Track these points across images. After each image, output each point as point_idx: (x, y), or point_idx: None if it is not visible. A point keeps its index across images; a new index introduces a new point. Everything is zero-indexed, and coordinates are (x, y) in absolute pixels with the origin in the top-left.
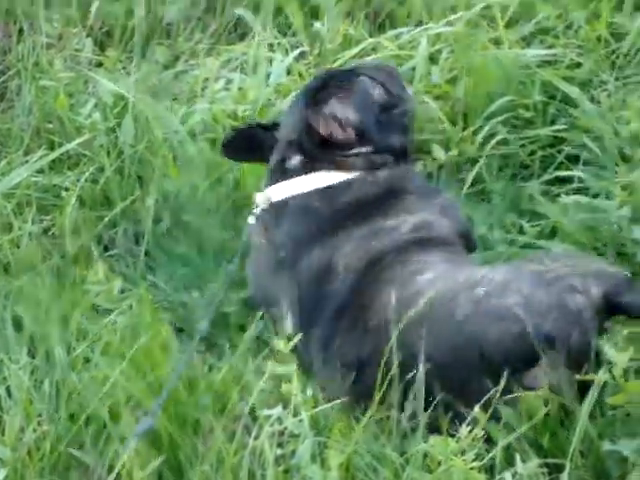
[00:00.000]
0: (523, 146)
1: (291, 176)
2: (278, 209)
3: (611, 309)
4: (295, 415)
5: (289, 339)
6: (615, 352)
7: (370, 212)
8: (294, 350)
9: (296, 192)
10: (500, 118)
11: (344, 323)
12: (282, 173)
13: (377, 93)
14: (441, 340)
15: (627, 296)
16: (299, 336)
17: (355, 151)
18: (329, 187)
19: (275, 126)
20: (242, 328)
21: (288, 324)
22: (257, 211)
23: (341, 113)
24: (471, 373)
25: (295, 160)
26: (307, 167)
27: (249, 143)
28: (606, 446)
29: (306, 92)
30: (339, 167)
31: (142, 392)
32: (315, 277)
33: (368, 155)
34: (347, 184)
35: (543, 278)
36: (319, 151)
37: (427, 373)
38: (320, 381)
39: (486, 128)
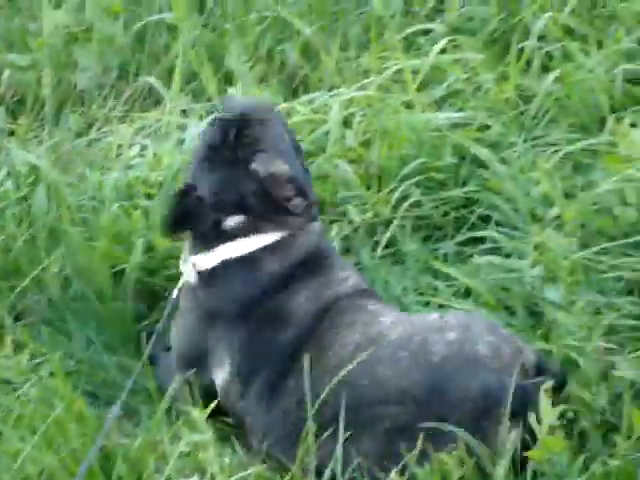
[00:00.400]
0: (436, 207)
1: (229, 239)
2: (217, 270)
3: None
4: None
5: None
6: (546, 408)
7: (318, 264)
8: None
9: (240, 253)
10: (413, 180)
11: (299, 365)
12: (216, 236)
13: (288, 137)
14: (415, 379)
15: (549, 365)
16: (234, 388)
17: (298, 209)
18: (276, 243)
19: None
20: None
21: (223, 372)
22: (189, 278)
23: (278, 169)
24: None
25: (233, 221)
26: (249, 228)
27: (187, 215)
28: None
29: (219, 146)
30: (283, 226)
31: (55, 465)
32: (266, 325)
33: (306, 209)
34: (293, 238)
35: (500, 331)
36: (267, 211)
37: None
38: (263, 426)
39: (400, 190)
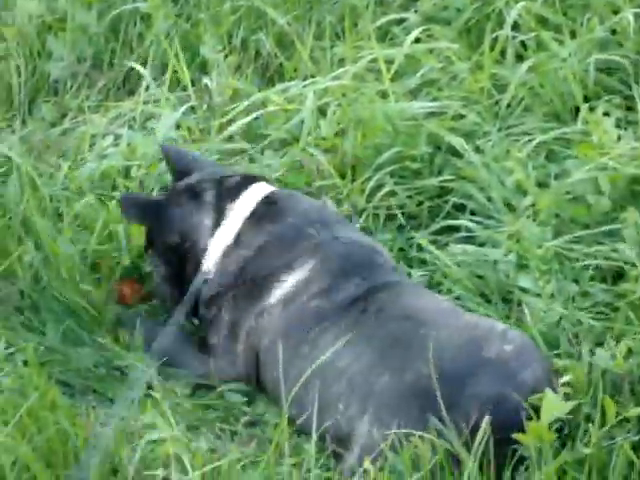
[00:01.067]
0: (410, 197)
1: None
2: None
3: None
4: (185, 473)
5: None
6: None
7: None
8: None
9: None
10: (388, 169)
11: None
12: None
13: None
14: (455, 359)
15: None
16: None
17: None
18: None
19: None
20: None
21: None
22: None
23: None
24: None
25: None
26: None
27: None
28: None
29: None
30: None
31: (28, 456)
32: None
33: None
34: None
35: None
36: None
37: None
38: None
39: (374, 179)
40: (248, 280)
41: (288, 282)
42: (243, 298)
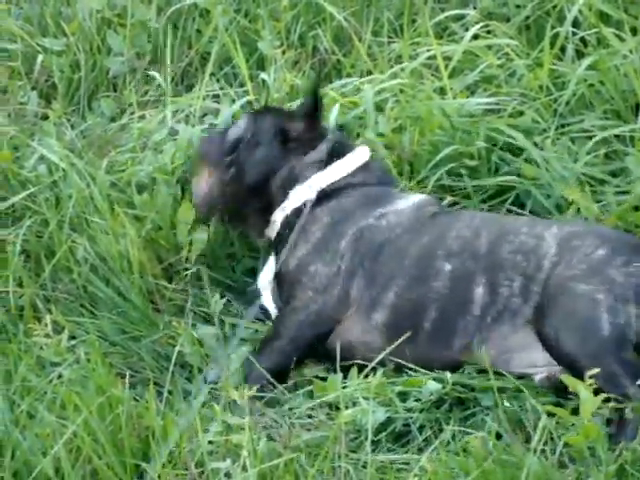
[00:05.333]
0: (468, 195)
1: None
2: None
3: None
4: (244, 469)
5: None
6: (587, 393)
7: None
8: None
9: None
10: (446, 167)
11: None
12: None
13: None
14: None
15: None
16: None
17: None
18: None
19: None
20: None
21: None
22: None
23: None
24: None
25: None
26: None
27: None
28: None
29: None
30: None
31: (89, 447)
32: None
33: None
34: None
35: None
36: None
37: None
38: None
39: (434, 178)
40: None
41: None
42: None
